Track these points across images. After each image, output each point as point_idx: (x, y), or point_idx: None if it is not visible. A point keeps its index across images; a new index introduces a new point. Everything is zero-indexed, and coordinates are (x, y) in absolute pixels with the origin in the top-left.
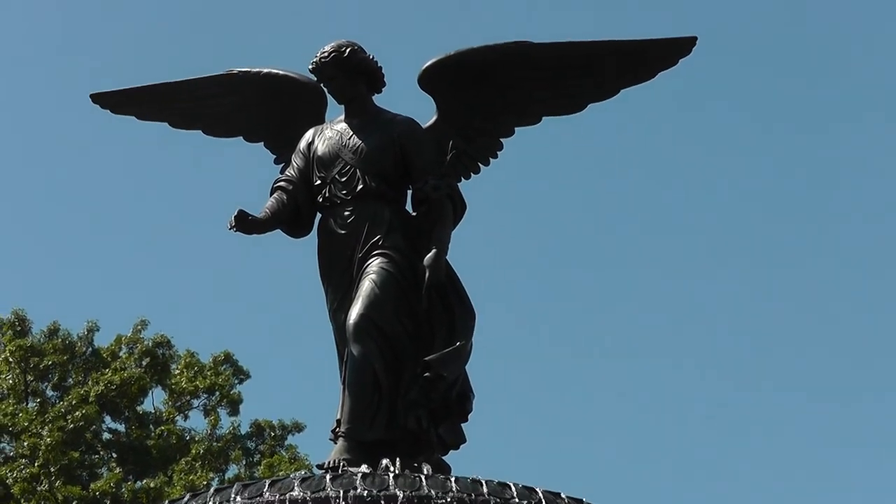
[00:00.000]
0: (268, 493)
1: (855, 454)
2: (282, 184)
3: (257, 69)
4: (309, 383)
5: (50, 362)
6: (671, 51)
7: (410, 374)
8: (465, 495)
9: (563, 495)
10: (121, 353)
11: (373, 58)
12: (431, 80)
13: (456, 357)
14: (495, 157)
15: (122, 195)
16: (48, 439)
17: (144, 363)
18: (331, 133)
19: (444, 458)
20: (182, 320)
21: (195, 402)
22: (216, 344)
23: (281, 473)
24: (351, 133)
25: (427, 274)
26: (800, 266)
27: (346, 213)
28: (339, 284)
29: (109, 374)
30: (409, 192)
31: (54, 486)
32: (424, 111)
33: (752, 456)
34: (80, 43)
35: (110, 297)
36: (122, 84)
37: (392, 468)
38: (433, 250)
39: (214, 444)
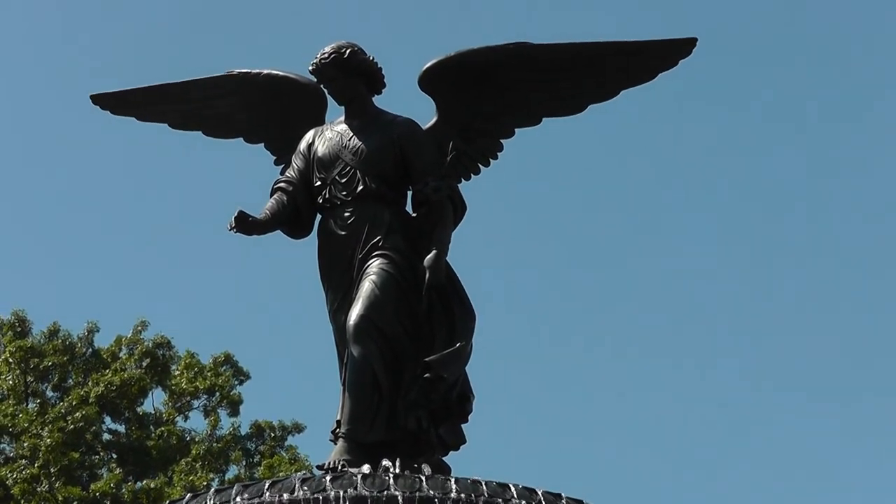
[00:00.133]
0: (268, 494)
1: (855, 454)
2: (282, 185)
3: (257, 70)
4: (309, 384)
5: (50, 363)
6: (671, 52)
7: (410, 374)
8: (465, 496)
9: (563, 496)
10: (121, 354)
11: (373, 59)
12: (431, 81)
13: (456, 358)
14: (495, 157)
15: (122, 195)
16: (48, 440)
17: (144, 364)
18: (331, 134)
19: (444, 458)
20: (182, 321)
21: (195, 403)
22: (216, 344)
23: (281, 474)
24: (351, 134)
25: (427, 275)
26: (800, 265)
27: (347, 214)
28: (339, 285)
29: (109, 375)
30: (410, 194)
31: (54, 487)
32: (424, 112)
33: (752, 456)
34: (80, 43)
35: (110, 298)
36: (122, 84)
37: (392, 469)
38: (433, 251)
39: (214, 444)
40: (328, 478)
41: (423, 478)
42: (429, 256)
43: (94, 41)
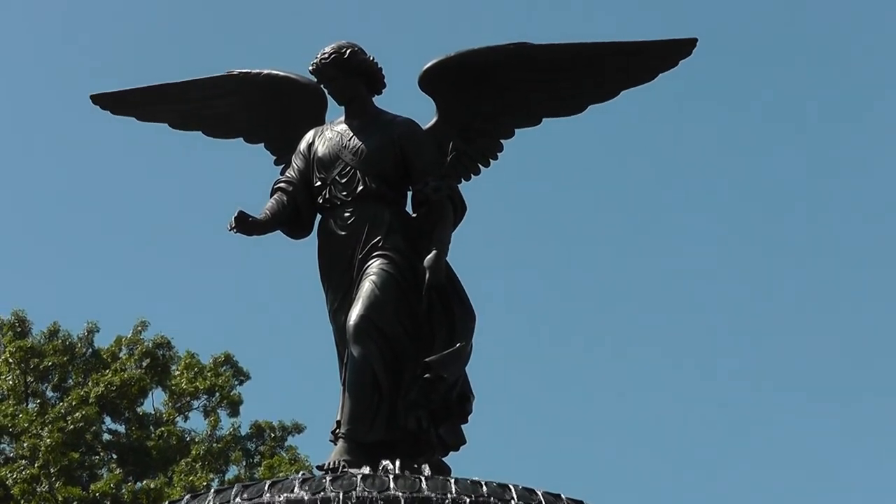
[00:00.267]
0: (268, 494)
1: (855, 454)
2: (282, 185)
3: (257, 70)
4: (309, 384)
5: (50, 363)
6: (671, 52)
7: (410, 375)
8: (465, 496)
9: (563, 496)
10: (121, 355)
11: (373, 59)
12: (432, 81)
13: (456, 358)
14: (495, 158)
15: (122, 195)
16: (48, 440)
17: (144, 364)
18: (331, 134)
19: (444, 459)
20: (182, 321)
21: (195, 403)
22: (216, 345)
23: (281, 474)
24: (351, 134)
25: (427, 275)
26: (800, 265)
27: (347, 214)
28: (339, 285)
29: (109, 375)
30: (410, 194)
31: (54, 487)
32: (424, 112)
33: (752, 455)
34: (80, 43)
35: (110, 298)
36: (122, 84)
37: (392, 469)
38: (433, 251)
39: (214, 445)
40: (328, 478)
41: (423, 478)
42: (429, 256)
43: (94, 41)
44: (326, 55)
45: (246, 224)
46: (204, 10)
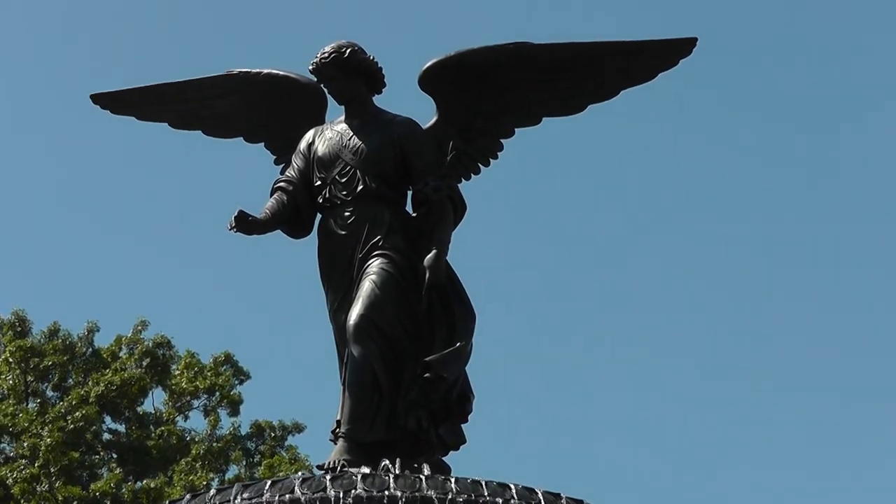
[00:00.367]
0: (268, 494)
1: (855, 454)
2: (282, 184)
3: (257, 70)
4: (309, 383)
5: (50, 363)
6: (671, 51)
7: (410, 374)
8: (464, 496)
9: (563, 496)
10: (121, 354)
11: (373, 58)
12: (432, 80)
13: (456, 358)
14: (495, 157)
15: (122, 195)
16: (48, 440)
17: (144, 364)
18: (331, 134)
19: (444, 458)
20: (182, 320)
21: (195, 403)
22: (216, 344)
23: (281, 474)
24: (351, 134)
25: (427, 275)
26: (800, 266)
27: (347, 213)
28: (339, 285)
29: (109, 375)
30: (410, 193)
31: (54, 487)
32: (424, 112)
33: (752, 455)
34: (80, 43)
35: (110, 297)
36: (122, 84)
37: (392, 469)
38: (433, 251)
39: (215, 444)
40: (328, 478)
41: (423, 478)
42: (429, 256)
43: (94, 41)
44: (326, 54)
45: (246, 223)
46: (204, 10)
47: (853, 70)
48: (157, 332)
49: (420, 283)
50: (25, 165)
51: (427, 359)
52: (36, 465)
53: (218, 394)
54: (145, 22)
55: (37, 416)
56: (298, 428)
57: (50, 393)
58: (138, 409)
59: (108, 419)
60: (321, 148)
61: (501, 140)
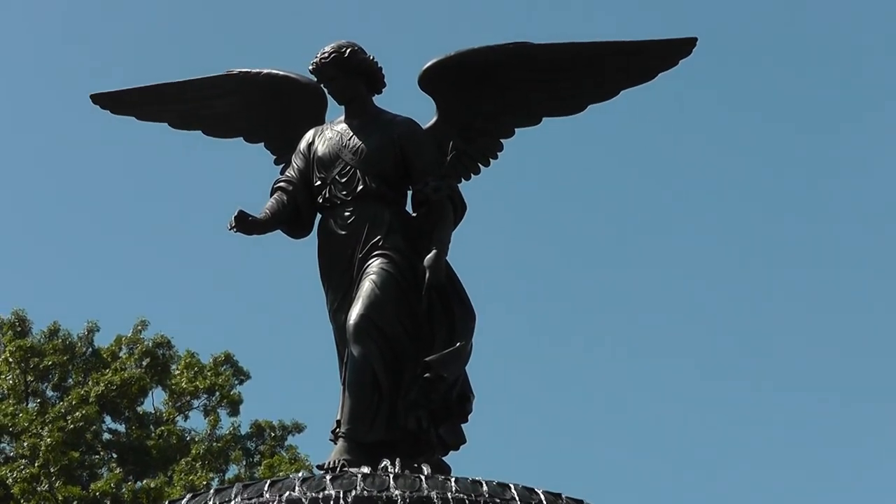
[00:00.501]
0: (268, 494)
1: (855, 454)
2: (282, 184)
3: (257, 70)
4: (309, 383)
5: (50, 363)
6: (671, 51)
7: (410, 374)
8: (465, 496)
9: (563, 496)
10: (121, 354)
11: (373, 58)
12: (432, 80)
13: (456, 358)
14: (495, 157)
15: (122, 195)
16: (48, 439)
17: (144, 363)
18: (331, 134)
19: (444, 458)
20: (182, 320)
21: (195, 403)
22: (216, 344)
23: (281, 474)
24: (351, 134)
25: (427, 274)
26: (799, 266)
27: (347, 213)
28: (339, 285)
29: (109, 375)
30: (410, 193)
31: (54, 487)
32: (424, 112)
33: (752, 455)
34: (80, 43)
35: (110, 297)
36: (122, 84)
37: (392, 469)
38: (433, 251)
39: (214, 444)
40: (328, 478)
41: (423, 478)
42: (429, 256)
43: (94, 41)
44: (326, 54)
45: (246, 223)
46: (204, 10)
47: (853, 70)
48: (157, 332)
49: (420, 283)
50: (25, 165)
51: (427, 359)
52: (36, 464)
53: (218, 394)
54: (145, 22)
55: (37, 415)
56: (298, 428)
57: (50, 393)
58: (138, 408)
59: (108, 419)
60: (321, 148)
61: (501, 140)
